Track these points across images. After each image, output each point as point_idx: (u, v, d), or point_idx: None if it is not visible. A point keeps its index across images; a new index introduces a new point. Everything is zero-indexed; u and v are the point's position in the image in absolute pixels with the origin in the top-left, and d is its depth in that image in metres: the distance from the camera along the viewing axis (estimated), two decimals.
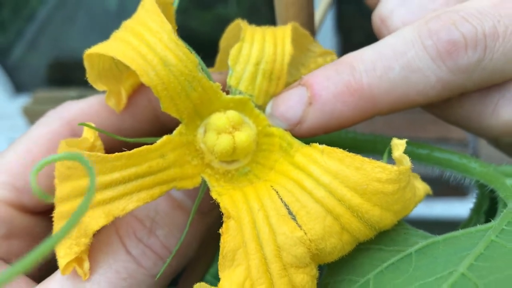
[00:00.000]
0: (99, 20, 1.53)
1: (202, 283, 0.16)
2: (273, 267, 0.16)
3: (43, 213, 0.25)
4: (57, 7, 1.56)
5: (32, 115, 1.50)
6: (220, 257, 0.16)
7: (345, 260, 0.19)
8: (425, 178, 0.22)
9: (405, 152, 0.21)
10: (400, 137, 0.20)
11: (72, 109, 0.26)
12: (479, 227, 0.19)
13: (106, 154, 0.16)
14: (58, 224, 0.18)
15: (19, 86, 1.67)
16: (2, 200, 0.24)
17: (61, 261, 0.18)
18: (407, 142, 0.24)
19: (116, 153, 0.17)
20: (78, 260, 0.18)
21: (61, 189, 0.17)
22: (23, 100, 1.62)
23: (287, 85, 0.23)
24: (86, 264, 0.18)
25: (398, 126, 1.09)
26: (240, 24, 0.23)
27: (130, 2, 1.42)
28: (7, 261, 0.24)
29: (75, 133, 0.25)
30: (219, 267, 0.16)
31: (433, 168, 0.23)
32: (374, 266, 0.18)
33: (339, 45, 1.32)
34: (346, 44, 1.33)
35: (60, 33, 1.62)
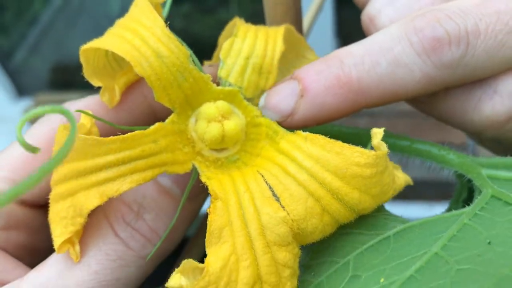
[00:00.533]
0: (101, 24, 1.55)
1: (190, 259, 0.17)
2: (257, 244, 0.17)
3: (42, 206, 0.26)
4: (59, 11, 1.58)
5: (34, 118, 1.52)
6: (207, 234, 0.17)
7: (327, 244, 0.20)
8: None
9: (388, 144, 0.23)
10: None
11: (71, 108, 0.27)
12: (453, 212, 0.20)
13: (102, 138, 0.18)
14: (54, 205, 0.19)
15: (21, 89, 1.69)
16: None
17: (57, 240, 0.19)
18: (390, 135, 0.25)
19: (111, 137, 0.18)
20: (71, 242, 0.19)
21: (58, 172, 0.19)
22: (25, 103, 1.63)
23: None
24: (77, 247, 0.20)
25: (402, 130, 1.10)
26: (237, 22, 0.24)
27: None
28: (5, 251, 0.25)
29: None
30: (206, 244, 0.17)
31: (414, 160, 0.24)
32: (355, 248, 0.20)
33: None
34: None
35: (62, 37, 1.64)
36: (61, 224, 0.18)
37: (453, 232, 0.18)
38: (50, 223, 0.19)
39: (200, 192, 0.22)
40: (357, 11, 0.34)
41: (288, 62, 0.26)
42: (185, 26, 1.39)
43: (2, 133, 1.58)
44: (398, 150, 0.24)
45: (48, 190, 0.22)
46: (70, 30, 1.63)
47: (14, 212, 0.25)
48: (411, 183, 0.22)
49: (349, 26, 1.36)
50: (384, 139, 0.24)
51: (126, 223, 0.22)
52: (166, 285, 0.17)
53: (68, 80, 1.64)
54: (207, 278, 0.16)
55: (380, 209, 0.21)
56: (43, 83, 1.71)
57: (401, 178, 0.21)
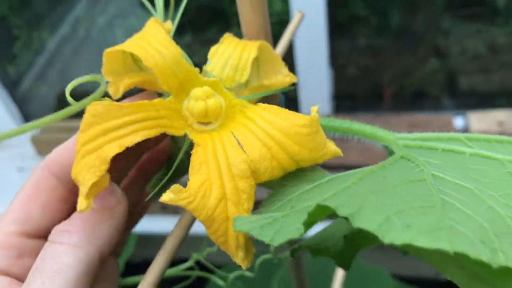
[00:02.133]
0: None
1: (177, 184, 0.25)
2: (225, 175, 0.25)
3: (47, 236, 0.32)
4: (65, 40, 1.68)
5: (40, 144, 1.60)
6: (190, 168, 0.25)
7: (277, 192, 0.29)
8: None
9: (334, 126, 0.31)
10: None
11: (50, 156, 0.33)
12: (368, 167, 0.28)
13: (121, 103, 0.26)
14: (81, 160, 0.27)
15: (27, 116, 1.77)
16: (12, 232, 0.31)
17: (87, 183, 0.27)
18: (335, 120, 0.33)
19: (128, 103, 0.27)
20: (96, 189, 0.28)
21: (84, 135, 0.27)
22: (32, 130, 1.71)
23: (252, 85, 0.33)
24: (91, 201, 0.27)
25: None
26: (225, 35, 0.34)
27: None
28: (21, 279, 0.31)
29: (55, 175, 0.32)
30: (189, 175, 0.25)
31: (352, 137, 0.33)
32: (297, 191, 0.28)
33: (333, 78, 1.44)
34: (340, 78, 1.45)
35: (68, 65, 1.74)
36: (90, 172, 0.27)
37: (363, 174, 0.27)
38: (76, 176, 0.27)
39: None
40: (349, 43, 0.43)
41: (264, 70, 0.35)
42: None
43: (8, 158, 1.67)
44: (340, 131, 0.33)
45: (51, 225, 0.30)
46: (75, 59, 1.74)
47: (24, 244, 0.32)
48: (341, 154, 0.30)
49: (342, 57, 1.47)
50: (330, 122, 0.32)
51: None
52: (159, 200, 0.25)
53: None
54: (188, 192, 0.24)
55: (319, 170, 0.30)
56: (49, 110, 1.79)
57: (332, 147, 0.30)
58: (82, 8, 1.63)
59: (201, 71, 0.30)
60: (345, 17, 1.41)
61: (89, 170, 0.27)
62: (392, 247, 0.21)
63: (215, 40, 0.33)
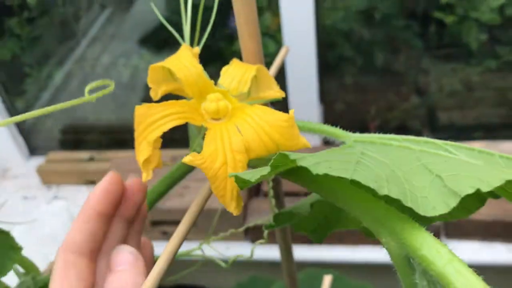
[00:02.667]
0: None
1: (195, 152, 0.37)
2: (227, 149, 0.37)
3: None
4: (70, 76, 1.81)
5: (45, 175, 1.71)
6: (204, 142, 0.37)
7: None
8: None
9: (299, 126, 0.44)
10: None
11: (67, 238, 0.37)
12: (325, 150, 0.41)
13: (160, 103, 0.39)
14: (137, 142, 0.39)
15: (33, 148, 1.87)
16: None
17: (141, 161, 0.39)
18: (307, 122, 0.46)
19: (163, 102, 0.39)
20: (149, 163, 0.39)
21: (137, 131, 0.39)
22: (37, 161, 1.81)
23: (252, 95, 0.46)
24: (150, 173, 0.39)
25: None
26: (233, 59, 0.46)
27: (141, 76, 1.69)
28: None
29: (75, 252, 0.36)
30: (203, 146, 0.37)
31: (315, 135, 0.45)
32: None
33: (323, 113, 1.58)
34: (329, 113, 1.59)
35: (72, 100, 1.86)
36: (142, 153, 0.38)
37: (321, 153, 0.39)
38: (138, 158, 0.39)
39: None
40: (338, 81, 0.55)
41: (260, 86, 0.47)
42: None
43: (14, 187, 1.77)
44: (307, 130, 0.45)
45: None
46: (80, 94, 1.86)
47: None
48: (309, 146, 0.42)
49: (331, 94, 1.61)
50: (302, 123, 0.45)
51: None
52: (182, 160, 0.37)
53: (78, 140, 1.84)
54: (202, 156, 0.36)
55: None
56: (54, 142, 1.89)
57: (303, 140, 0.41)
58: (87, 46, 1.77)
59: (215, 83, 0.43)
60: (333, 57, 1.56)
61: (141, 152, 0.39)
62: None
63: (215, 75, 0.45)
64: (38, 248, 1.09)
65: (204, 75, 0.42)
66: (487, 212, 1.29)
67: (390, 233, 0.30)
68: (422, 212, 0.27)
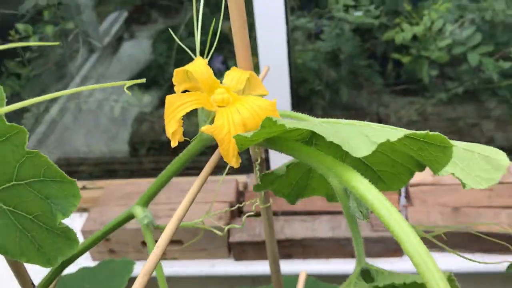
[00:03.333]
0: (103, 124, 1.93)
1: (208, 124, 0.54)
2: (231, 123, 0.53)
3: None
4: (65, 110, 1.95)
5: None
6: (215, 118, 0.54)
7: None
8: None
9: (282, 114, 0.62)
10: None
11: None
12: None
13: (184, 93, 0.56)
14: (168, 124, 0.55)
15: None
16: None
17: (170, 130, 0.55)
18: (282, 110, 0.64)
19: (185, 93, 0.56)
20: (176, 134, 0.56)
21: (166, 112, 0.56)
22: None
23: (245, 92, 0.63)
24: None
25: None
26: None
27: (131, 110, 1.86)
28: None
29: None
30: (215, 121, 0.54)
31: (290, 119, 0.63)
32: None
33: None
34: None
35: (67, 133, 2.00)
36: (171, 126, 0.55)
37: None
38: (167, 132, 0.56)
39: None
40: (309, 113, 0.69)
41: (251, 85, 0.65)
42: None
43: None
44: (283, 115, 0.63)
45: None
46: (75, 127, 1.99)
47: None
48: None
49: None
50: (280, 111, 0.63)
51: None
52: (200, 130, 0.54)
53: (71, 171, 1.97)
54: (214, 126, 0.53)
55: None
56: None
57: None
58: (79, 84, 1.92)
59: (221, 82, 0.60)
60: (305, 92, 1.76)
61: (170, 127, 0.55)
62: None
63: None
64: None
65: (213, 76, 0.60)
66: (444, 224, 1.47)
67: (335, 175, 0.43)
68: (354, 154, 0.35)
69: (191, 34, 1.84)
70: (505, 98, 1.67)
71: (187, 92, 0.58)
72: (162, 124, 0.60)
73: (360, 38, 1.71)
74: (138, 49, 2.09)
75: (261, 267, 1.53)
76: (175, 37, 0.64)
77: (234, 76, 0.62)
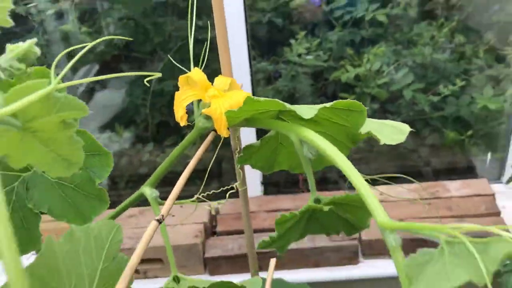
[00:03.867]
0: None
1: (208, 108, 0.78)
2: (222, 107, 0.78)
3: None
4: None
5: None
6: (210, 105, 0.78)
7: None
8: None
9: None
10: None
11: None
12: None
13: (186, 90, 0.80)
14: (177, 110, 0.79)
15: None
16: None
17: (179, 114, 0.79)
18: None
19: (187, 89, 0.80)
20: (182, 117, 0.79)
21: (176, 102, 0.79)
22: None
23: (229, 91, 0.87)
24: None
25: None
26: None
27: (111, 145, 2.05)
28: None
29: None
30: (211, 105, 0.78)
31: None
32: None
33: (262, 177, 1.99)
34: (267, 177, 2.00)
35: None
36: (179, 111, 0.78)
37: None
38: (176, 116, 0.79)
39: None
40: None
41: (232, 87, 0.89)
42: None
43: None
44: None
45: None
46: None
47: None
48: None
49: None
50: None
51: None
52: (202, 112, 0.78)
53: None
54: (210, 109, 0.76)
55: None
56: None
57: None
58: None
59: (212, 84, 0.85)
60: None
61: (179, 112, 0.79)
62: None
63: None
64: None
65: (207, 80, 0.85)
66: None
67: (294, 132, 0.55)
68: (304, 116, 0.50)
69: (163, 80, 2.06)
70: (436, 127, 1.98)
71: (188, 89, 0.81)
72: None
73: (312, 79, 2.01)
74: (109, 97, 2.30)
75: (234, 279, 1.71)
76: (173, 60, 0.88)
77: (221, 80, 0.87)
